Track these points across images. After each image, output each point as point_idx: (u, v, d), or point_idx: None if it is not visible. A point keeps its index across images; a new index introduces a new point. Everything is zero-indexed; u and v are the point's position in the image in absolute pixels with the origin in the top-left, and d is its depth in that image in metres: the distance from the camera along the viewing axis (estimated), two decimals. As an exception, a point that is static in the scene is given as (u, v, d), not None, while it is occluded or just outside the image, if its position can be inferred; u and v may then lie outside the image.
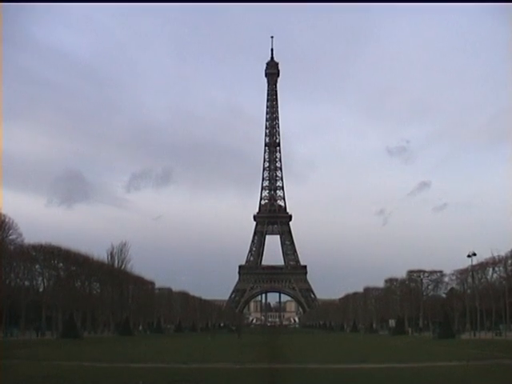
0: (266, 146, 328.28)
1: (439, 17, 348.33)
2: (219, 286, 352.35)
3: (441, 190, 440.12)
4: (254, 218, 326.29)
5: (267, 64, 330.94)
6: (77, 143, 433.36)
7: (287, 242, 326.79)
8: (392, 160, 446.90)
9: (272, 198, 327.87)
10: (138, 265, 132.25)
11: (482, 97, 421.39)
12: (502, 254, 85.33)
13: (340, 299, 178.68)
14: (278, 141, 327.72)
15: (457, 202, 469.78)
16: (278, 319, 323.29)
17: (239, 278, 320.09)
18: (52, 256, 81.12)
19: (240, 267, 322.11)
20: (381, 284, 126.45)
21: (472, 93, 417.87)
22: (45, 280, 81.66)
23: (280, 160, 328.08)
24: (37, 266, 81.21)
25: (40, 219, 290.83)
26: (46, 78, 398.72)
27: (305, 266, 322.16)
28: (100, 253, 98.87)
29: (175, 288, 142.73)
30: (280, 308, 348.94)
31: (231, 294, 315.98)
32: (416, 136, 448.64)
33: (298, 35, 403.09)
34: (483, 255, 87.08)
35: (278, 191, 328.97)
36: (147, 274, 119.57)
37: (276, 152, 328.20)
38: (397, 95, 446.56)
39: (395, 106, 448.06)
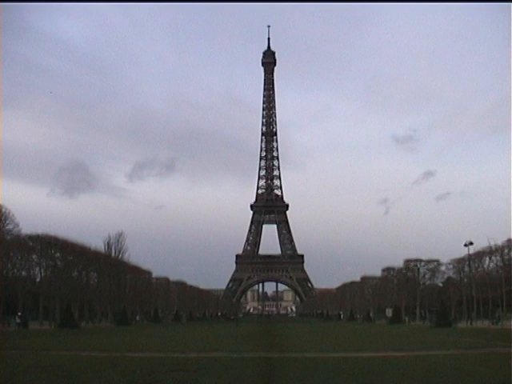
0: (262, 135, 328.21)
1: (440, 4, 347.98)
2: (216, 276, 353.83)
3: (445, 179, 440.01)
4: (251, 207, 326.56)
5: (264, 53, 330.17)
6: (78, 132, 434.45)
7: (284, 232, 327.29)
8: (395, 149, 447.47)
9: (269, 188, 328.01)
10: (136, 254, 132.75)
11: (485, 84, 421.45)
12: (499, 243, 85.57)
13: (337, 288, 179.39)
14: (274, 130, 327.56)
15: (460, 191, 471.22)
16: (275, 308, 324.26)
17: (236, 268, 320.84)
18: (49, 246, 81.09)
19: (237, 256, 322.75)
20: (378, 273, 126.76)
21: (474, 80, 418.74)
22: (42, 270, 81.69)
23: (277, 149, 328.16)
24: (34, 256, 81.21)
25: (41, 210, 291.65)
26: (46, 66, 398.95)
27: (302, 256, 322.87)
28: (99, 243, 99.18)
29: (172, 278, 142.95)
30: (277, 297, 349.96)
31: (228, 284, 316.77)
32: (418, 124, 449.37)
33: (295, 23, 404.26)
34: (481, 244, 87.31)
35: (274, 180, 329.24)
36: (144, 264, 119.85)
37: (273, 141, 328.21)
38: (397, 83, 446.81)
39: (395, 94, 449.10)
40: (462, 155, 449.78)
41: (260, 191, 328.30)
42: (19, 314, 70.43)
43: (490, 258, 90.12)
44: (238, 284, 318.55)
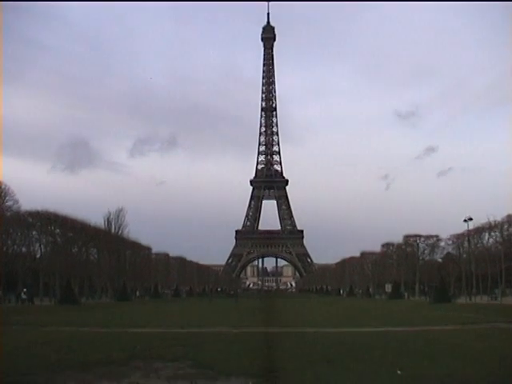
0: (262, 110, 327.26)
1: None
2: (216, 251, 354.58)
3: (446, 155, 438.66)
4: (251, 182, 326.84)
5: (263, 28, 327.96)
6: (78, 109, 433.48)
7: (284, 207, 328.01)
8: (397, 124, 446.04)
9: (268, 163, 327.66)
10: (136, 230, 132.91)
11: (487, 57, 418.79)
12: (498, 218, 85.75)
13: (337, 264, 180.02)
14: (274, 105, 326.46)
15: (461, 166, 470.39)
16: (274, 284, 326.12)
17: (236, 243, 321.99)
18: (49, 222, 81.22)
19: (237, 232, 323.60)
20: (377, 249, 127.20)
21: (477, 54, 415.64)
22: (42, 246, 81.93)
23: (276, 125, 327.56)
24: (34, 233, 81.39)
25: (42, 186, 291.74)
26: (46, 42, 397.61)
27: (301, 231, 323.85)
28: (100, 219, 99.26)
29: (172, 253, 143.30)
30: (277, 272, 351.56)
31: (228, 259, 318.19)
32: (420, 99, 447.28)
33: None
34: (480, 220, 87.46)
35: (274, 156, 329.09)
36: (144, 240, 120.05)
37: (272, 117, 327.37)
38: (398, 58, 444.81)
39: (396, 68, 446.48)
40: (464, 130, 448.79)
41: (260, 167, 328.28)
42: (24, 290, 70.79)
43: (489, 234, 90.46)
44: (237, 259, 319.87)
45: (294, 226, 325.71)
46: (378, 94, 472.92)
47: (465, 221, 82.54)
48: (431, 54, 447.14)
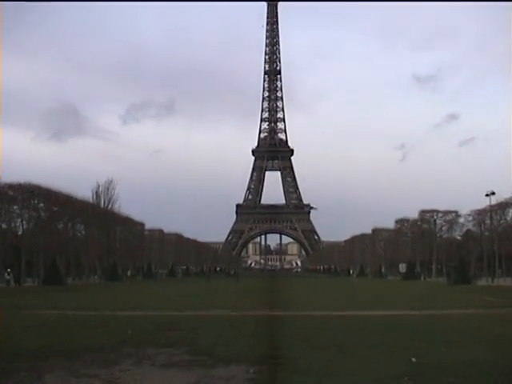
0: (265, 73, 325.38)
1: None
2: (215, 228, 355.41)
3: (469, 122, 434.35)
4: (253, 152, 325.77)
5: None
6: (66, 72, 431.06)
7: (288, 179, 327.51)
8: (416, 89, 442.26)
9: (272, 131, 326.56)
10: (128, 205, 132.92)
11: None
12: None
13: (346, 241, 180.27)
14: (278, 68, 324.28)
15: (485, 136, 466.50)
16: (278, 263, 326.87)
17: (236, 219, 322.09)
18: (32, 196, 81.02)
19: (237, 206, 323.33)
20: (391, 225, 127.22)
21: (502, 12, 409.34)
22: (24, 222, 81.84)
23: (281, 89, 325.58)
24: (15, 207, 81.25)
25: (25, 156, 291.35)
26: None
27: (308, 205, 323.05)
28: (88, 192, 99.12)
29: (167, 229, 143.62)
30: (281, 251, 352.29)
31: (228, 236, 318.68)
32: (441, 62, 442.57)
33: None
34: (503, 194, 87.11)
35: (278, 123, 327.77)
36: (137, 215, 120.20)
37: (277, 80, 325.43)
38: (415, 16, 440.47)
39: (413, 28, 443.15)
40: (489, 95, 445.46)
41: (262, 135, 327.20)
42: (8, 270, 70.84)
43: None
44: (238, 236, 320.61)
45: (300, 199, 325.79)
46: (395, 56, 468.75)
47: (487, 195, 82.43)
48: (453, 11, 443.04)
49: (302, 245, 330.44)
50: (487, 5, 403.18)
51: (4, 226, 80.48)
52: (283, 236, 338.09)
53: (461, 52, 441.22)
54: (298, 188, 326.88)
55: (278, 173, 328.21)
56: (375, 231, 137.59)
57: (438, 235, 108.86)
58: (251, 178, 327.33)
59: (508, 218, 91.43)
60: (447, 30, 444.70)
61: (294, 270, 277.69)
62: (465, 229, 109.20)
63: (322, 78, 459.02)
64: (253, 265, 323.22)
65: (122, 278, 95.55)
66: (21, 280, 71.25)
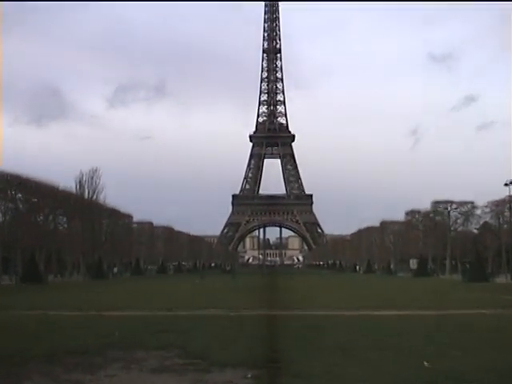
0: (264, 52, 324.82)
1: None
2: (210, 220, 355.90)
3: (489, 105, 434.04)
4: (250, 138, 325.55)
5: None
6: (46, 49, 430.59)
7: (289, 167, 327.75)
8: (431, 68, 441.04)
9: (271, 115, 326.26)
10: (115, 195, 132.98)
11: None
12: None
13: (352, 235, 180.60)
14: (278, 46, 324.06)
15: (505, 119, 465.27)
16: (278, 258, 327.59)
17: (233, 210, 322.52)
18: (9, 186, 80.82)
19: (234, 197, 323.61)
20: (401, 217, 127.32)
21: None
22: (0, 214, 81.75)
23: (281, 69, 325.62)
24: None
25: (2, 142, 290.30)
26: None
27: (310, 196, 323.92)
28: (71, 181, 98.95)
29: (158, 222, 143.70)
30: (281, 245, 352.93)
31: (223, 229, 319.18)
32: (458, 39, 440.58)
33: None
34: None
35: (278, 106, 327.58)
36: (124, 207, 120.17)
37: (276, 60, 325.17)
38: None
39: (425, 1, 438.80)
40: (509, 76, 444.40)
41: (261, 119, 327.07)
42: None
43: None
44: (234, 229, 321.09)
45: (302, 189, 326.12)
46: (408, 32, 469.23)
47: (506, 185, 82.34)
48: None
49: (303, 239, 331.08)
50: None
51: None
52: (283, 229, 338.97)
53: (480, 26, 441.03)
54: (299, 177, 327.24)
55: (278, 160, 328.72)
56: (383, 224, 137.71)
57: (452, 228, 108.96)
58: (249, 166, 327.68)
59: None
60: (466, 3, 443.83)
61: (295, 266, 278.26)
62: (482, 221, 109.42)
63: (326, 57, 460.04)
64: (250, 260, 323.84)
65: (107, 275, 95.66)
66: (1, 277, 71.28)
